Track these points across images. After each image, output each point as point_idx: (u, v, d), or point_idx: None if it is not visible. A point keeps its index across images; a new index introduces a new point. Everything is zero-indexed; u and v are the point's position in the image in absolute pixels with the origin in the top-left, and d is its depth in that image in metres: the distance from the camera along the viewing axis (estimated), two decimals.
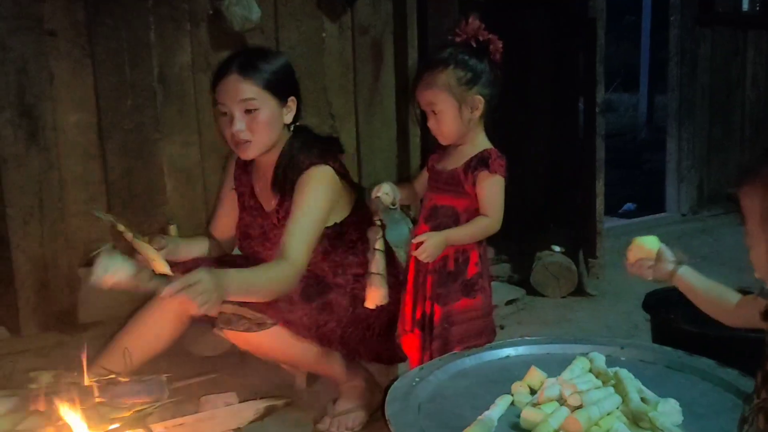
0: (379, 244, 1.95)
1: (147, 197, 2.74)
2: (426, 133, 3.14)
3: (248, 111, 1.97)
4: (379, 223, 1.99)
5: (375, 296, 1.93)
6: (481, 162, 1.91)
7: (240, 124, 1.97)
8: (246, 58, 2.02)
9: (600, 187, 3.17)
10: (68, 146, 2.60)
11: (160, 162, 2.73)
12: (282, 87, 2.03)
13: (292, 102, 2.06)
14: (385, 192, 1.97)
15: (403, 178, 2.68)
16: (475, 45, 1.92)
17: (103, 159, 2.66)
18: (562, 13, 3.33)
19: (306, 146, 2.06)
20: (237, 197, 2.23)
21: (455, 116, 1.89)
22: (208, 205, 2.84)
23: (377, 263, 1.94)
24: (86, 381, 1.45)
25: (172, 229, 2.66)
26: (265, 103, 1.99)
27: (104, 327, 2.59)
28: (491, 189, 1.91)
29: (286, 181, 2.04)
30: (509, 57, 2.56)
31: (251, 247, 2.20)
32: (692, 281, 1.33)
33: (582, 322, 2.89)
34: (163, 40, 2.67)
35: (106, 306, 2.67)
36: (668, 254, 1.38)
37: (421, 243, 1.87)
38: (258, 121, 1.98)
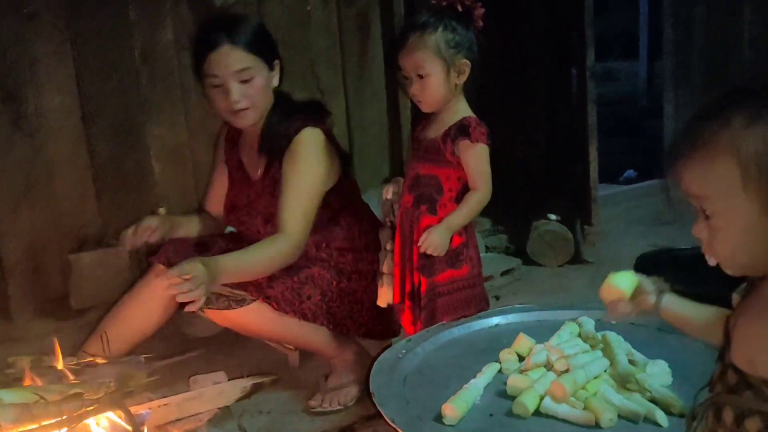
0: (390, 245, 1.96)
1: (136, 180, 2.72)
2: (417, 107, 3.12)
3: (244, 80, 1.95)
4: (389, 224, 1.99)
5: (386, 296, 1.98)
6: (460, 131, 1.86)
7: (237, 94, 1.95)
8: (231, 25, 1.98)
9: (593, 153, 3.12)
10: (53, 131, 2.58)
11: (147, 143, 2.70)
12: (269, 51, 2.02)
13: (277, 65, 2.05)
14: (395, 192, 1.96)
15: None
16: (461, 9, 1.88)
17: (89, 142, 2.63)
18: None
19: (291, 110, 2.04)
20: (227, 170, 2.21)
21: (443, 80, 1.85)
22: (198, 186, 2.81)
23: (388, 264, 1.96)
24: (61, 364, 1.44)
25: (162, 211, 2.61)
26: (258, 70, 1.97)
27: (98, 312, 2.58)
28: (477, 159, 1.87)
29: (274, 146, 2.02)
30: (504, 26, 2.52)
31: (237, 218, 2.18)
32: (678, 310, 1.21)
33: (579, 290, 2.86)
34: (143, 19, 2.63)
35: (99, 291, 2.67)
36: (647, 286, 1.24)
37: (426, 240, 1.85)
38: (255, 87, 1.97)
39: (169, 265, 2.04)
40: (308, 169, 1.96)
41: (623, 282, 1.24)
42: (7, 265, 2.56)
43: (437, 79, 1.84)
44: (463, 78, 1.88)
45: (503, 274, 3.00)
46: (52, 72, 2.54)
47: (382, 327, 2.12)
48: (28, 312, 2.61)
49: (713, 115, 0.90)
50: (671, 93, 4.22)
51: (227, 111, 1.98)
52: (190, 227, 2.24)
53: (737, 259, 0.93)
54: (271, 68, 2.02)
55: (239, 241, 2.15)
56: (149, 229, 2.09)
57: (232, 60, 1.93)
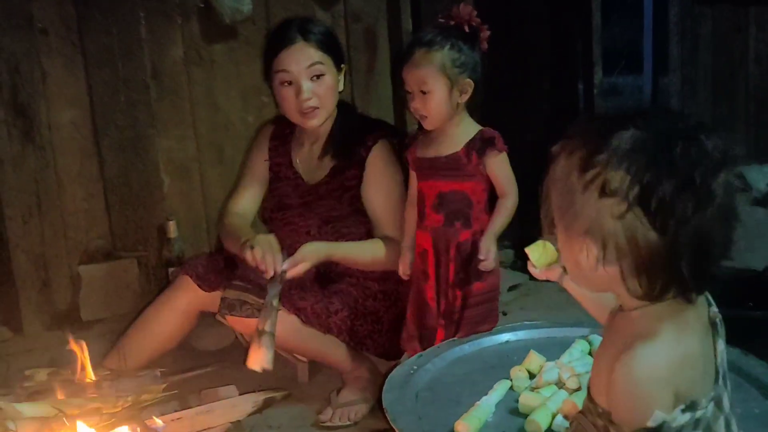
0: (276, 301, 1.85)
1: (145, 193, 2.73)
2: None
3: (314, 77, 2.00)
4: (277, 278, 1.89)
5: (262, 358, 1.77)
6: (486, 143, 1.90)
7: (307, 91, 2.00)
8: (305, 25, 2.06)
9: None
10: (64, 144, 2.59)
11: (156, 157, 2.72)
12: (339, 53, 2.09)
13: (344, 69, 2.12)
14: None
15: None
16: (467, 30, 1.90)
17: (99, 156, 2.65)
18: None
19: (362, 120, 2.10)
20: (270, 167, 2.23)
21: (445, 98, 1.86)
22: (206, 200, 2.83)
23: (271, 321, 1.81)
24: (79, 378, 1.45)
25: (171, 225, 2.65)
26: (329, 69, 2.04)
27: (108, 325, 2.60)
28: (504, 168, 1.93)
29: (347, 153, 2.07)
30: (508, 40, 2.52)
31: (285, 217, 2.19)
32: (577, 288, 1.25)
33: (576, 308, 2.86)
34: (154, 35, 2.65)
35: (108, 304, 2.69)
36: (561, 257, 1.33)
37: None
38: (325, 86, 2.03)
39: (199, 280, 2.07)
40: (396, 180, 2.07)
41: (534, 252, 1.30)
42: (18, 278, 2.57)
43: (439, 96, 1.86)
44: (466, 97, 1.90)
45: (510, 289, 3.00)
46: (64, 86, 2.56)
47: (396, 348, 2.13)
48: (38, 324, 2.62)
49: (565, 138, 0.94)
50: (678, 109, 4.24)
51: (297, 110, 2.04)
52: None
53: (570, 273, 0.98)
54: (339, 71, 2.09)
55: None
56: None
57: (304, 55, 2.00)
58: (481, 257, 1.87)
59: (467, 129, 1.92)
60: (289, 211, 2.18)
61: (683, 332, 0.88)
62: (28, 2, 2.47)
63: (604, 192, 0.86)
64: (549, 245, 1.33)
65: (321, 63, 2.01)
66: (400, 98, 3.12)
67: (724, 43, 4.32)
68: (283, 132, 2.21)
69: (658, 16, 7.14)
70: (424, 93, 1.86)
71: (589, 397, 0.95)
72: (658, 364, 0.86)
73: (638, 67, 8.18)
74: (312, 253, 1.93)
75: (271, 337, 1.77)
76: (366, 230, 2.12)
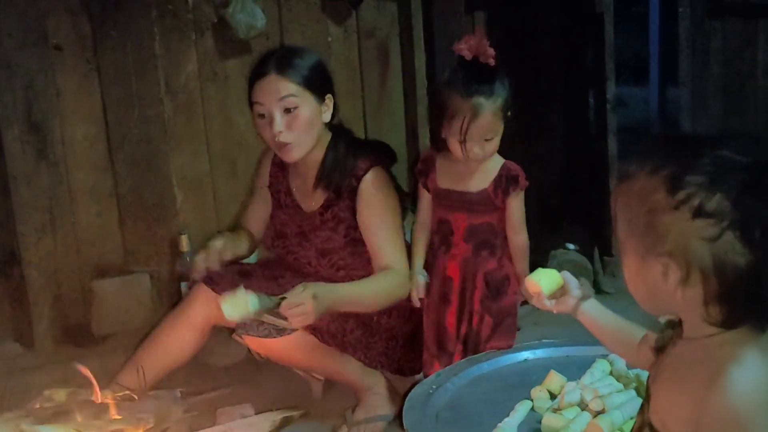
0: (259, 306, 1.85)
1: (158, 209, 2.73)
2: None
3: (287, 110, 1.96)
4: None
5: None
6: (511, 181, 1.93)
7: (280, 125, 1.96)
8: (282, 57, 2.01)
9: (614, 183, 3.12)
10: (77, 160, 2.60)
11: (170, 173, 2.72)
12: (319, 84, 2.02)
13: (329, 100, 2.05)
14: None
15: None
16: (493, 63, 1.87)
17: (113, 172, 2.65)
18: (571, 7, 3.29)
19: (354, 147, 2.06)
20: (271, 194, 2.22)
21: (499, 139, 1.89)
22: (219, 215, 2.83)
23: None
24: (100, 398, 1.44)
25: (184, 239, 2.64)
26: (305, 101, 1.98)
27: (120, 339, 2.59)
28: (520, 205, 1.97)
29: (337, 183, 2.03)
30: (520, 54, 2.50)
31: (285, 246, 2.18)
32: (596, 317, 1.25)
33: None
34: (168, 51, 2.66)
35: (120, 319, 2.68)
36: (572, 288, 1.29)
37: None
38: (298, 119, 1.97)
39: (212, 283, 2.06)
40: (390, 207, 2.02)
41: (543, 279, 1.29)
42: (30, 293, 2.57)
43: (499, 138, 1.88)
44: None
45: (523, 304, 2.98)
46: (78, 102, 2.57)
47: (411, 364, 2.12)
48: (50, 339, 2.61)
49: (641, 157, 0.93)
50: (688, 122, 4.23)
51: (272, 143, 2.01)
52: (243, 246, 2.26)
53: (635, 294, 0.95)
54: (321, 102, 2.02)
55: (279, 269, 2.15)
56: (218, 252, 2.11)
57: (276, 88, 1.95)
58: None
59: (494, 161, 1.95)
60: (288, 240, 2.17)
61: (766, 357, 0.87)
62: (43, 19, 2.47)
63: (698, 213, 0.84)
64: (553, 272, 1.31)
65: (294, 96, 1.95)
66: (413, 113, 3.15)
67: (734, 56, 4.31)
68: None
69: (666, 28, 7.16)
70: (487, 140, 1.86)
71: (651, 430, 0.93)
72: (755, 388, 0.84)
73: (643, 77, 8.21)
74: (316, 310, 1.82)
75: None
76: (364, 261, 2.10)
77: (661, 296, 0.89)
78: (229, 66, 2.72)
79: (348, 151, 2.04)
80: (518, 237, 1.98)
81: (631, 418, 1.43)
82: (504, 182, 1.92)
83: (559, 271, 3.10)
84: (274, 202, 2.21)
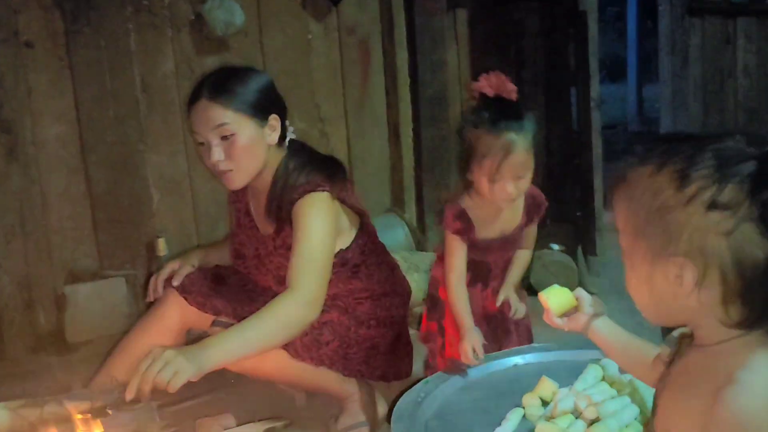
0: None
1: (133, 210, 2.66)
2: (419, 136, 3.09)
3: (225, 137, 1.82)
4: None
5: None
6: (536, 209, 1.93)
7: (218, 154, 1.81)
8: (215, 81, 1.85)
9: (598, 182, 3.11)
10: (49, 161, 2.52)
11: (146, 173, 2.65)
12: (259, 106, 1.86)
13: (274, 120, 1.89)
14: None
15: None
16: (516, 98, 1.81)
17: (86, 173, 2.57)
18: (554, 6, 3.27)
19: (299, 169, 1.92)
20: (234, 212, 2.14)
21: (531, 177, 1.82)
22: (198, 216, 2.77)
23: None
24: (71, 413, 1.37)
25: (161, 242, 2.57)
26: (242, 127, 1.82)
27: (95, 347, 2.51)
28: (536, 228, 1.99)
29: (281, 209, 1.90)
30: (501, 52, 2.45)
31: (245, 267, 2.11)
32: (607, 335, 1.20)
33: None
34: (144, 48, 2.59)
35: (95, 325, 2.60)
36: (584, 305, 1.24)
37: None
38: (236, 146, 1.82)
39: (185, 293, 1.99)
40: (314, 234, 1.84)
41: (552, 299, 1.25)
42: (2, 299, 2.49)
43: (531, 174, 1.80)
44: None
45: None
46: (50, 101, 2.49)
47: (395, 369, 2.07)
48: (22, 347, 2.53)
49: (642, 155, 0.89)
50: (668, 119, 4.25)
51: (213, 170, 1.89)
52: (221, 257, 2.17)
53: (639, 303, 0.91)
54: (263, 124, 1.88)
55: (252, 281, 2.10)
56: (172, 273, 2.04)
57: (207, 116, 1.81)
58: (511, 314, 1.95)
59: None
60: (246, 261, 2.09)
61: None
62: (13, 15, 2.39)
63: (712, 207, 0.80)
64: (566, 290, 1.26)
65: (227, 123, 1.80)
66: (394, 110, 3.11)
67: (713, 54, 4.34)
68: None
69: (643, 27, 7.20)
70: (522, 178, 1.78)
71: None
72: (765, 395, 0.81)
73: (620, 76, 8.25)
74: (183, 373, 1.57)
75: None
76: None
77: (671, 303, 0.85)
78: (206, 64, 2.65)
79: (293, 174, 1.91)
80: (528, 253, 2.01)
81: (627, 426, 1.40)
82: (531, 212, 1.91)
83: (546, 269, 3.10)
84: (234, 220, 2.13)
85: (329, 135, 2.96)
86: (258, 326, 1.72)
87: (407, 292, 2.16)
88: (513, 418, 1.49)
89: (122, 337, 2.19)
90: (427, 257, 2.88)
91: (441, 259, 1.98)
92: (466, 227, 1.87)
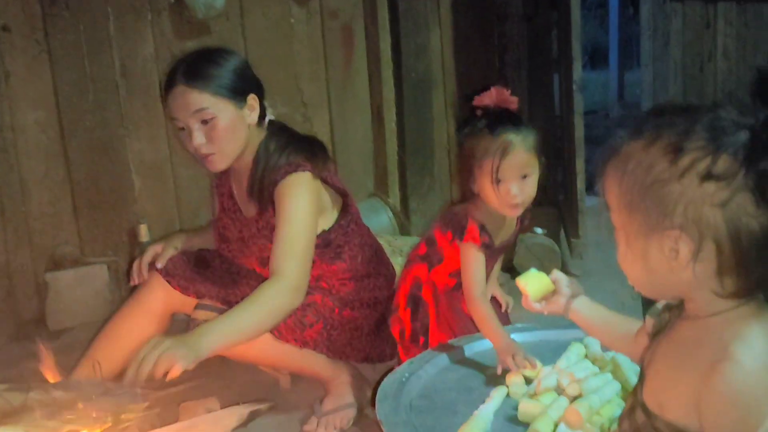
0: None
1: (115, 196, 2.64)
2: (402, 121, 3.08)
3: (205, 121, 1.81)
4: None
5: None
6: (526, 212, 1.88)
7: (199, 138, 1.81)
8: (190, 65, 1.84)
9: (580, 165, 3.12)
10: (28, 146, 2.49)
11: (127, 159, 2.63)
12: (236, 88, 1.86)
13: (253, 100, 1.89)
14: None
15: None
16: (515, 107, 1.81)
17: (66, 158, 2.54)
18: None
19: (280, 150, 1.91)
20: (217, 195, 2.13)
21: (536, 180, 1.79)
22: (180, 202, 2.75)
23: None
24: (54, 396, 1.36)
25: (143, 228, 2.55)
26: (221, 110, 1.82)
27: (77, 334, 2.50)
28: None
29: (263, 191, 1.90)
30: (484, 36, 2.44)
31: (229, 250, 2.10)
32: (588, 314, 1.21)
33: None
34: (123, 32, 2.55)
35: (77, 312, 2.58)
36: (562, 287, 1.25)
37: None
38: (217, 129, 1.82)
39: (168, 276, 1.99)
40: (296, 215, 1.84)
41: (530, 284, 1.26)
42: None
43: (536, 177, 1.78)
44: None
45: None
46: (28, 86, 2.46)
47: (379, 351, 2.07)
48: (2, 335, 2.50)
49: (634, 129, 0.88)
50: (649, 103, 4.27)
51: (195, 154, 1.88)
52: (204, 241, 2.16)
53: (633, 278, 0.90)
54: (242, 105, 1.87)
55: (237, 264, 2.09)
56: (155, 257, 2.02)
57: (186, 101, 1.81)
58: (503, 308, 2.02)
59: None
60: (231, 245, 2.09)
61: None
62: None
63: (706, 177, 0.79)
64: (542, 274, 1.27)
65: (207, 108, 1.81)
66: (377, 94, 3.10)
67: (693, 38, 4.37)
68: None
69: (624, 14, 7.23)
70: (525, 177, 1.77)
71: (645, 412, 0.89)
72: (761, 368, 0.81)
73: (601, 62, 8.29)
74: (182, 360, 1.57)
75: None
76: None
77: (666, 276, 0.85)
78: (187, 48, 2.60)
79: (274, 154, 1.90)
80: None
81: (609, 402, 1.42)
82: (523, 215, 1.88)
83: (529, 252, 3.11)
84: (218, 204, 2.12)
85: (312, 119, 2.95)
86: (247, 315, 1.74)
87: (392, 274, 2.16)
88: (497, 396, 1.50)
89: (105, 323, 2.18)
90: (411, 241, 2.89)
91: (424, 258, 1.95)
92: (490, 241, 1.83)
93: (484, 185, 1.76)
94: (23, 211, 2.50)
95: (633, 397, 0.95)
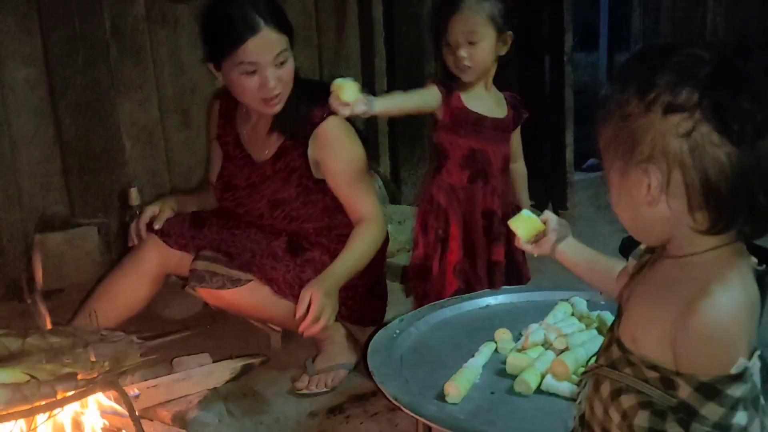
0: None
1: (105, 157, 2.62)
2: (394, 89, 3.08)
3: (279, 64, 1.88)
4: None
5: None
6: (521, 106, 1.95)
7: (273, 80, 1.87)
8: (268, 7, 1.88)
9: (570, 138, 3.15)
10: (18, 105, 2.47)
11: (118, 120, 2.61)
12: (290, 29, 1.95)
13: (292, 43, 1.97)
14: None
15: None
16: None
17: (56, 117, 2.52)
18: None
19: (310, 92, 1.96)
20: (220, 146, 2.14)
21: (491, 49, 1.84)
22: (171, 165, 2.74)
23: None
24: (51, 342, 1.37)
25: (133, 192, 2.54)
26: (290, 52, 1.92)
27: (66, 296, 2.50)
28: (519, 137, 2.03)
29: (296, 131, 1.96)
30: None
31: (236, 198, 2.11)
32: (573, 254, 1.24)
33: (556, 274, 2.87)
34: None
35: (67, 273, 2.58)
36: (550, 228, 1.29)
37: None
38: (287, 71, 1.91)
39: (165, 236, 2.00)
40: (352, 154, 1.96)
41: (521, 226, 1.30)
42: None
43: (487, 46, 1.83)
44: (505, 49, 1.90)
45: None
46: (18, 43, 2.43)
47: (372, 313, 2.10)
48: None
49: (616, 77, 0.91)
50: None
51: (260, 99, 1.89)
52: (198, 204, 2.19)
53: (622, 219, 0.93)
54: (292, 50, 1.95)
55: (234, 219, 2.10)
56: (153, 217, 2.04)
57: (271, 45, 1.85)
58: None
59: (496, 89, 1.95)
60: (238, 192, 2.10)
61: (747, 279, 0.86)
62: None
63: (669, 109, 0.82)
64: (532, 216, 1.31)
65: (285, 49, 1.88)
66: (370, 62, 3.09)
67: (683, 16, 4.38)
68: (229, 107, 2.10)
69: None
70: (471, 44, 1.81)
71: (620, 347, 0.92)
72: (737, 309, 0.83)
73: (591, 44, 8.27)
74: (328, 304, 1.87)
75: None
76: (317, 211, 2.05)
77: (646, 214, 0.87)
78: (179, 9, 2.61)
79: (303, 97, 1.96)
80: (522, 164, 2.05)
81: (594, 356, 1.45)
82: (516, 108, 1.94)
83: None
84: (223, 154, 2.13)
85: None
86: (358, 255, 1.95)
87: (385, 239, 2.19)
88: (485, 350, 1.53)
89: (97, 283, 2.19)
90: (401, 210, 2.90)
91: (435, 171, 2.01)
92: (453, 96, 1.90)
93: (444, 50, 1.86)
94: (12, 171, 2.49)
95: (610, 333, 0.97)
